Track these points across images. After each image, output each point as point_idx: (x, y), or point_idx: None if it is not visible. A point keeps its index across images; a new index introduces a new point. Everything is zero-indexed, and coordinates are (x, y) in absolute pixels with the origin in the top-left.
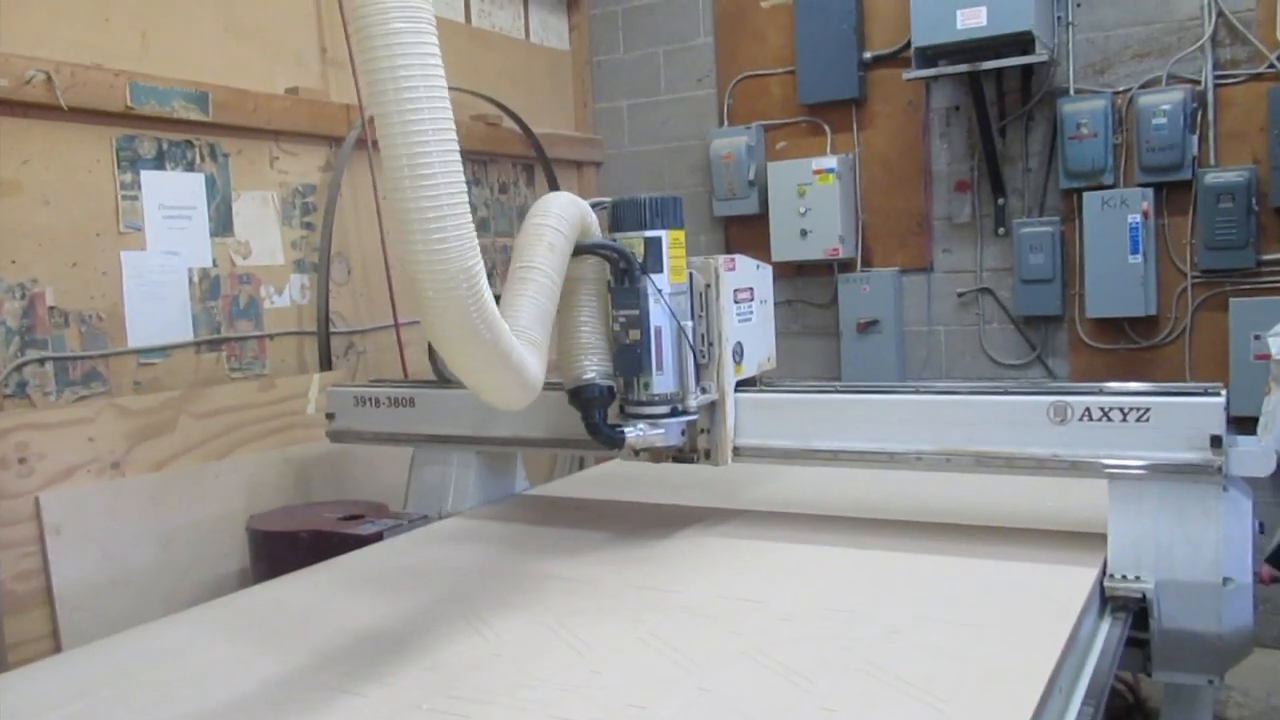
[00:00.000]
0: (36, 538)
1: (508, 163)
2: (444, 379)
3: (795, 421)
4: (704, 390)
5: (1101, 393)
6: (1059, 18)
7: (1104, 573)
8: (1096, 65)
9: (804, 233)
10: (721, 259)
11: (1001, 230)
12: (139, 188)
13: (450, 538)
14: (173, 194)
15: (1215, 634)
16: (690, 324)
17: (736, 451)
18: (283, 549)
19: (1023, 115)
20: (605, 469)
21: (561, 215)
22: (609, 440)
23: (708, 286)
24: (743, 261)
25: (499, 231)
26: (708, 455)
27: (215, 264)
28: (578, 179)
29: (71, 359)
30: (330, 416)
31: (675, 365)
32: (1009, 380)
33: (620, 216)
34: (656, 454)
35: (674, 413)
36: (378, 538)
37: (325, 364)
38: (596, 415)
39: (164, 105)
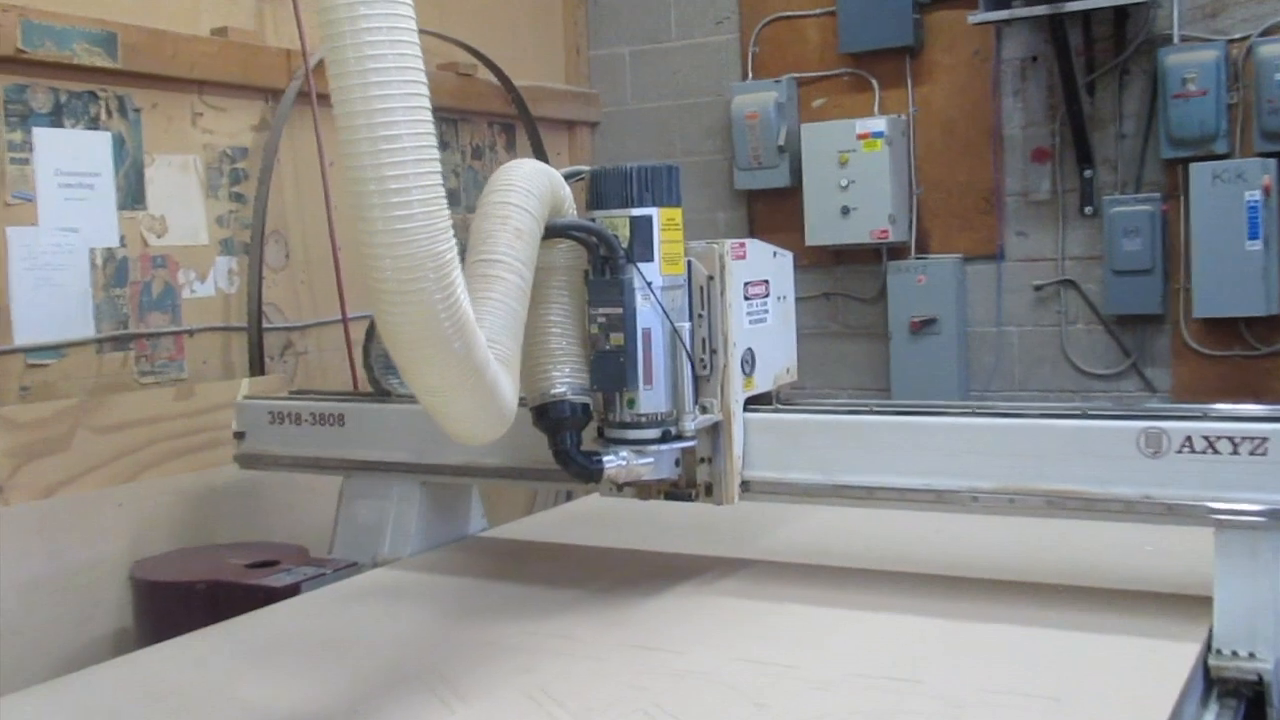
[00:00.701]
0: None
1: (483, 122)
2: (381, 390)
3: (819, 449)
4: (704, 409)
5: (1207, 417)
6: None
7: (1208, 647)
8: (1207, 8)
9: (846, 211)
10: (729, 244)
11: (1089, 209)
12: (30, 149)
13: (386, 592)
14: (72, 157)
15: None
16: (688, 326)
17: (745, 487)
18: (173, 604)
19: (1116, 68)
20: (582, 506)
21: (528, 190)
22: (583, 472)
23: (710, 279)
24: (756, 247)
25: (471, 206)
26: (709, 491)
27: (123, 243)
28: (569, 142)
29: None
30: (239, 436)
31: (668, 378)
32: (1096, 396)
33: (601, 190)
34: (644, 489)
35: (665, 437)
36: (293, 591)
37: (257, 367)
38: (567, 440)
39: (62, 49)
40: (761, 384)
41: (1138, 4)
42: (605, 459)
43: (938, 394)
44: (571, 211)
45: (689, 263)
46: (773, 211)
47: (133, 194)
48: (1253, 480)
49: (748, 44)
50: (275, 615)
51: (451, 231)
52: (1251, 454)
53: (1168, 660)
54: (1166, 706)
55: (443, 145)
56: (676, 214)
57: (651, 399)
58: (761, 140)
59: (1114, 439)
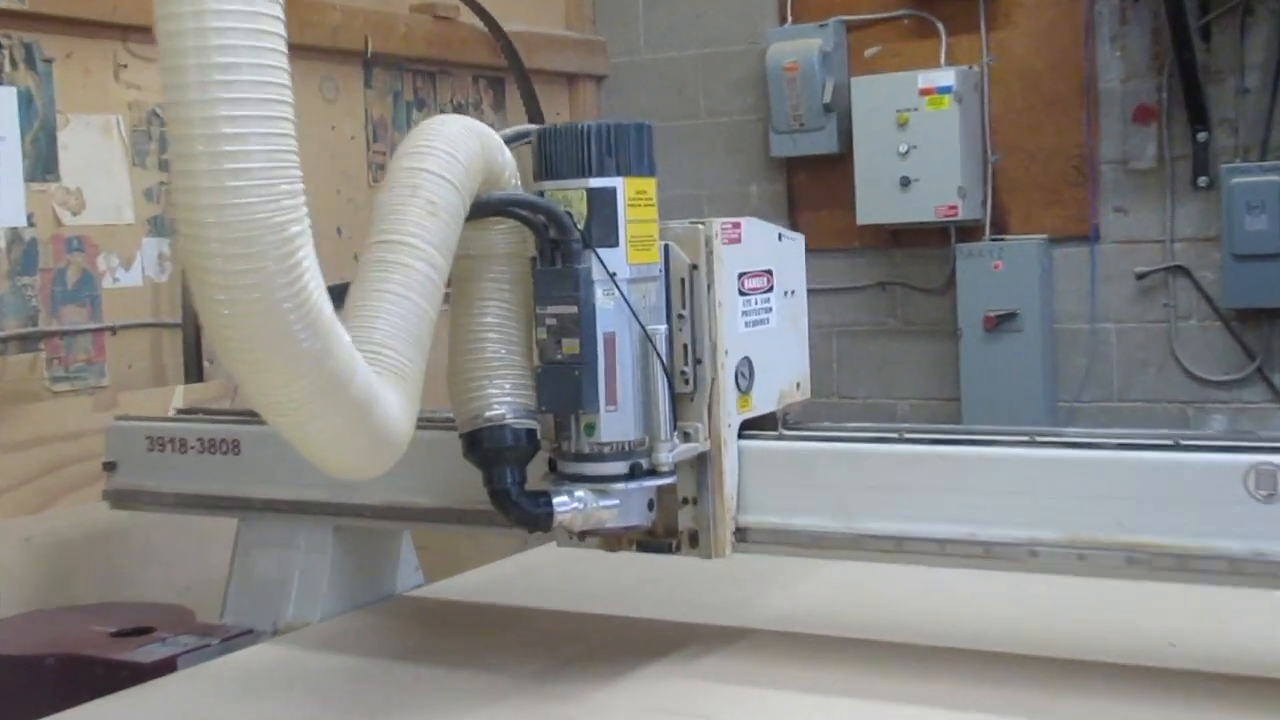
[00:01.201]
0: None
1: (467, 75)
2: None
3: (835, 488)
4: (686, 436)
5: None
6: None
7: None
8: None
9: (906, 182)
10: (718, 224)
11: (1203, 180)
12: None
13: (283, 671)
14: None
15: None
16: (663, 329)
17: (741, 535)
18: (17, 683)
19: (1237, 8)
20: (539, 557)
21: (450, 154)
22: (527, 518)
23: (694, 269)
24: (755, 228)
25: None
26: (694, 541)
27: (31, 223)
28: (569, 100)
29: None
30: (110, 467)
31: (637, 396)
32: (1212, 407)
33: (550, 155)
34: (611, 539)
35: (635, 473)
36: (167, 668)
37: (193, 372)
38: (507, 477)
39: None
40: (762, 403)
41: None
42: (556, 501)
43: (1017, 405)
44: (515, 184)
45: (666, 248)
46: (817, 184)
47: (43, 162)
48: None
49: None
50: (139, 701)
51: (304, 199)
52: None
53: None
54: None
55: (419, 104)
56: (649, 185)
57: (616, 424)
58: (803, 97)
59: (1214, 478)
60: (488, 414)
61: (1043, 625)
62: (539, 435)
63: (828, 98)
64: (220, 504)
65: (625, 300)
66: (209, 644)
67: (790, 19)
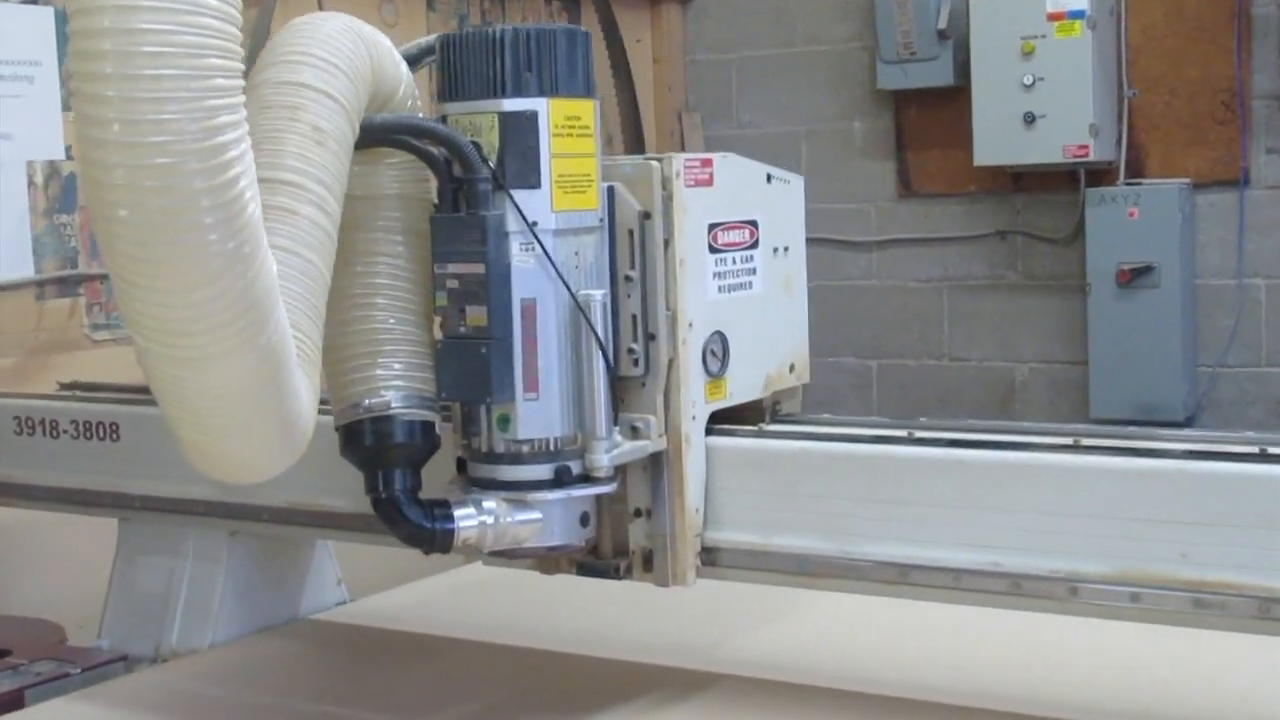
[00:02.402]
0: None
1: None
2: None
3: (826, 500)
4: (635, 432)
5: None
6: None
7: None
8: None
9: (1031, 119)
10: (679, 160)
11: None
12: None
13: (154, 711)
14: (3, 40)
15: None
16: (600, 295)
17: (709, 557)
18: None
19: None
20: (481, 572)
21: (331, 63)
22: (419, 534)
23: (647, 217)
24: (732, 166)
25: None
26: (648, 564)
27: (70, 156)
28: (651, 25)
29: None
30: None
31: (566, 382)
32: None
33: (456, 69)
34: (545, 560)
35: (561, 480)
36: (14, 703)
37: None
38: (395, 482)
39: None
40: (741, 390)
41: None
42: (459, 514)
43: (1152, 369)
44: (414, 106)
45: (610, 191)
46: (929, 120)
47: None
48: None
49: None
50: None
51: (241, 99)
52: None
53: None
54: None
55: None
56: (584, 109)
57: (538, 417)
58: (916, 22)
59: None
60: (370, 401)
61: (1079, 682)
62: (437, 429)
63: (943, 23)
64: (98, 500)
65: (549, 257)
66: (68, 673)
67: None
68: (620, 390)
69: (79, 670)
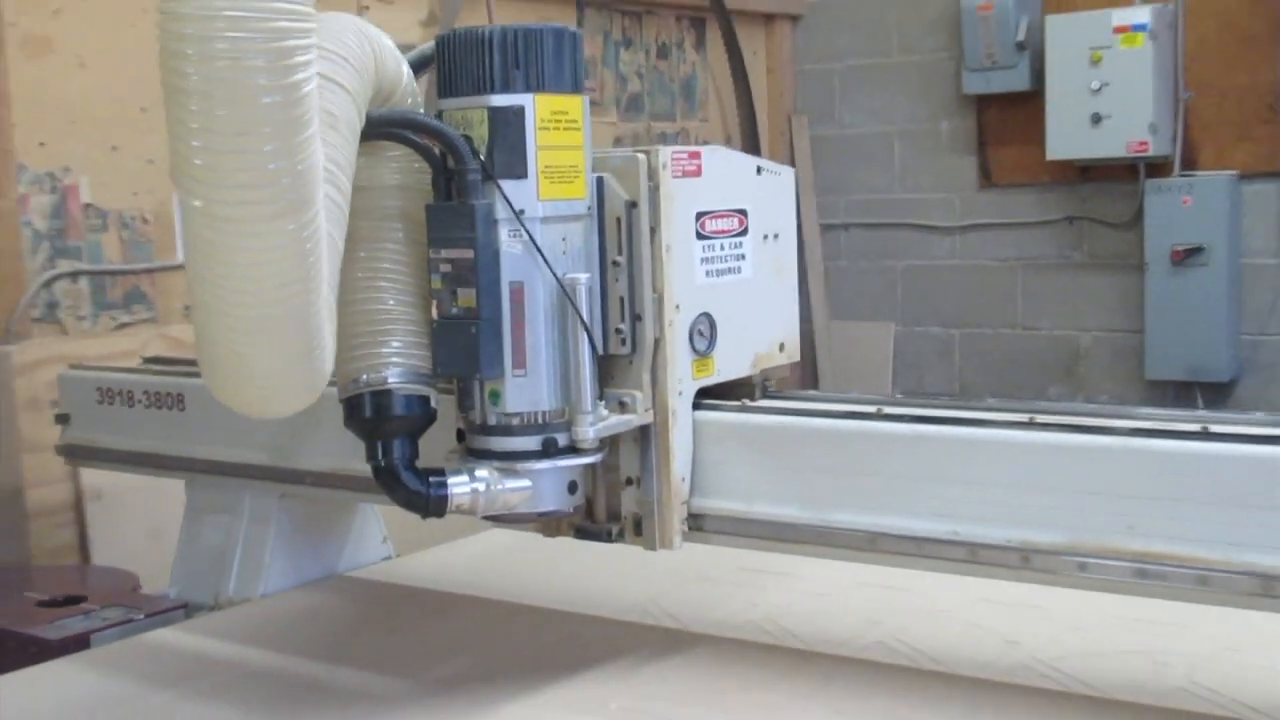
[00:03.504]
0: (73, 504)
1: (670, 15)
2: None
3: (804, 471)
4: (622, 406)
5: None
6: None
7: None
8: None
9: (1097, 119)
10: (668, 152)
11: None
12: None
13: (195, 656)
14: None
15: None
16: (585, 278)
17: (695, 523)
18: None
19: None
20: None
21: (341, 56)
22: (414, 499)
23: (633, 206)
24: (721, 158)
25: (656, 113)
26: (638, 528)
27: None
28: (766, 39)
29: (110, 273)
30: (63, 420)
31: (554, 359)
32: None
33: (449, 67)
34: (548, 523)
35: (548, 450)
36: (80, 644)
37: None
38: (394, 451)
39: None
40: (729, 368)
41: None
42: (452, 481)
43: (1201, 338)
44: (415, 103)
45: (599, 181)
46: (1007, 120)
47: None
48: None
49: None
50: (20, 687)
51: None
52: None
53: None
54: None
55: (625, 42)
56: (572, 104)
57: (525, 392)
58: (997, 35)
59: (1247, 475)
60: (369, 376)
61: (1034, 647)
62: (433, 403)
63: (1021, 36)
64: (167, 464)
65: (535, 243)
66: (133, 619)
67: None
68: (609, 367)
69: (143, 616)
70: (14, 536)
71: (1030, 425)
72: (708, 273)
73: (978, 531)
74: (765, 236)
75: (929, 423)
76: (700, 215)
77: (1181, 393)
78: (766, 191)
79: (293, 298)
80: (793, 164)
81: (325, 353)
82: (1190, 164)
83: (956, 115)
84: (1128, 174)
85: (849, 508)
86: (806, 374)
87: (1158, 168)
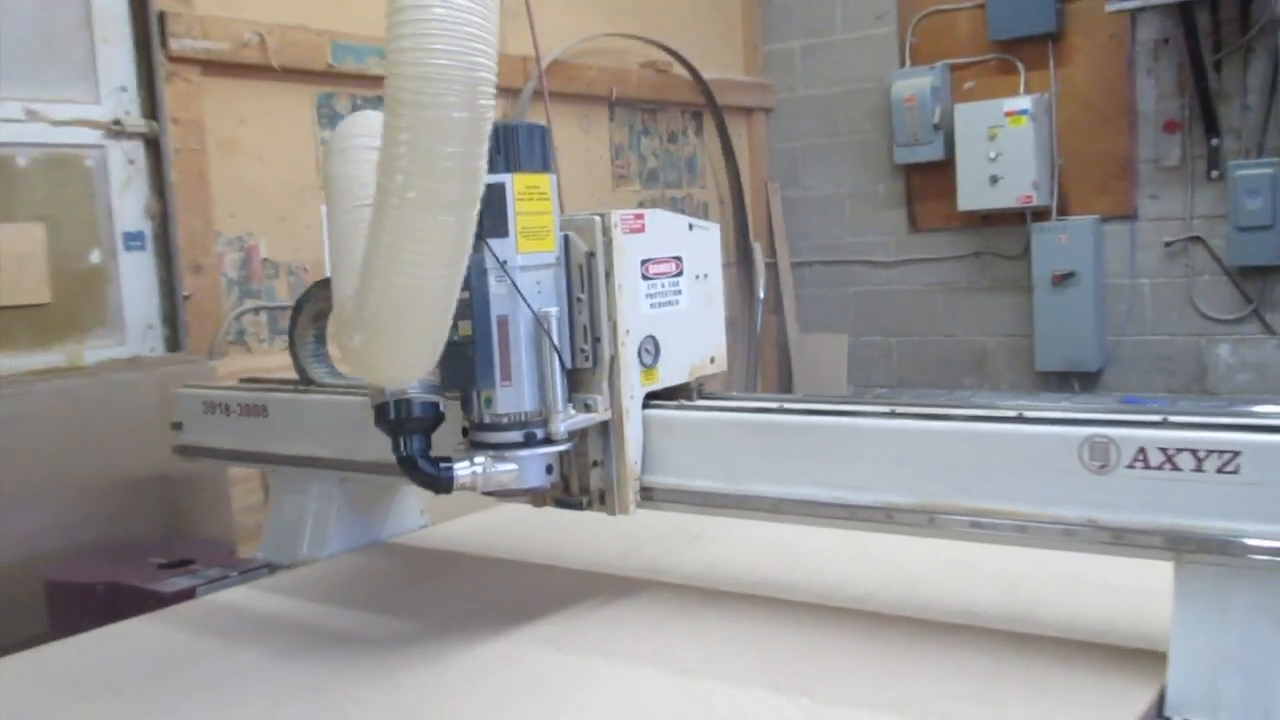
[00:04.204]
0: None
1: (676, 111)
2: (307, 379)
3: (724, 453)
4: (587, 407)
5: (1166, 424)
6: None
7: (1159, 711)
8: None
9: (994, 179)
10: (618, 215)
11: (1215, 174)
12: None
13: (264, 604)
14: None
15: None
16: (555, 311)
17: (647, 494)
18: (75, 605)
19: (1241, 48)
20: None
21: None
22: (430, 480)
23: (591, 255)
24: (661, 219)
25: (668, 183)
26: (602, 499)
27: None
28: (747, 126)
29: (281, 309)
30: (177, 426)
31: (532, 372)
32: (1220, 339)
33: None
34: (537, 495)
35: (529, 441)
36: (188, 595)
37: None
38: (413, 444)
39: (360, 62)
40: (670, 376)
41: None
42: (457, 466)
43: (1076, 340)
44: None
45: (565, 238)
46: (927, 182)
47: None
48: (1220, 505)
49: (905, 36)
50: (136, 627)
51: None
52: (1219, 471)
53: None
54: None
55: (644, 132)
56: (542, 181)
57: (511, 397)
58: (918, 120)
59: (1052, 449)
60: (391, 388)
61: (890, 582)
62: (442, 407)
63: (936, 119)
64: (256, 458)
65: (516, 286)
66: (229, 575)
67: (909, 63)
68: (576, 377)
69: (237, 574)
70: (224, 517)
71: (891, 415)
72: (651, 305)
73: (852, 496)
74: (697, 276)
75: (816, 414)
76: (644, 261)
77: (1062, 381)
78: (697, 242)
79: (446, 278)
80: (769, 219)
81: (445, 334)
82: (1064, 211)
83: (890, 179)
84: (1018, 219)
85: (759, 480)
86: (784, 373)
87: (1040, 214)
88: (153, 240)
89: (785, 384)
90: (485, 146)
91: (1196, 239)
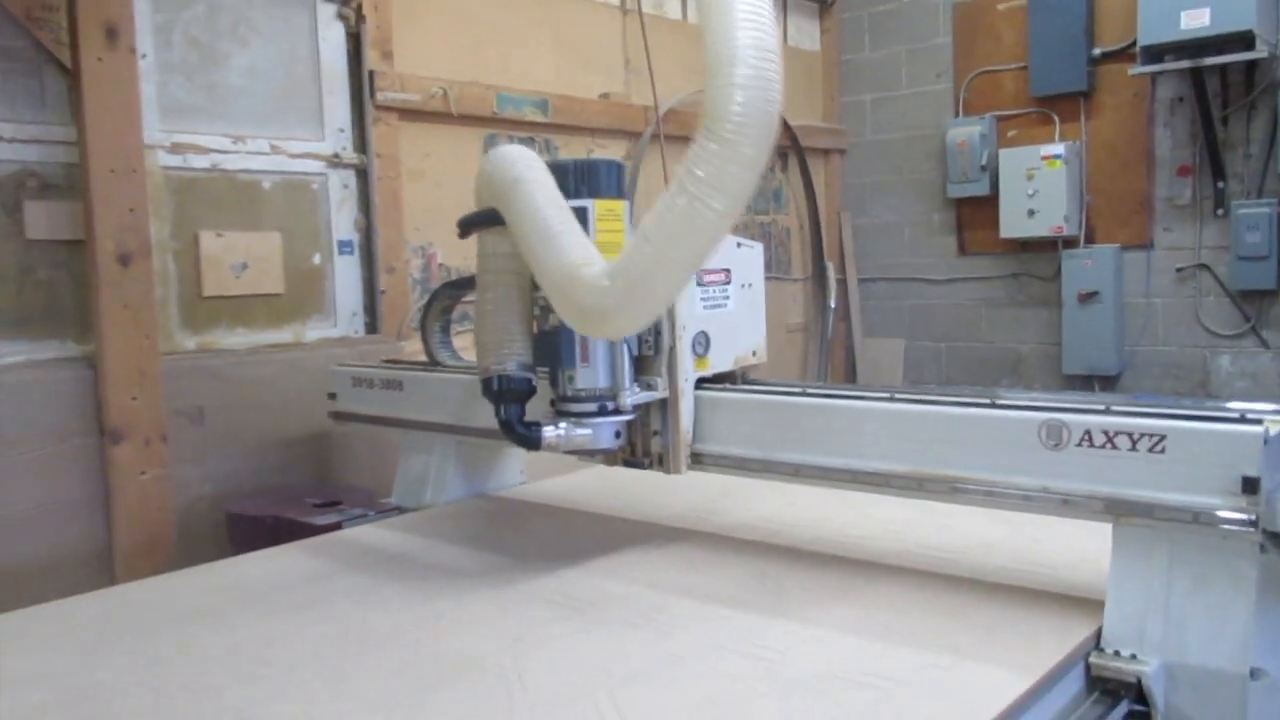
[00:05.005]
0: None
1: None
2: (435, 361)
3: (757, 427)
4: (649, 386)
5: (1109, 411)
6: None
7: (1097, 644)
8: None
9: (1031, 212)
10: None
11: (1220, 211)
12: None
13: (392, 536)
14: None
15: None
16: None
17: (696, 458)
18: (250, 533)
19: (1244, 106)
20: (612, 472)
21: None
22: (523, 440)
23: None
24: None
25: (757, 210)
26: (660, 461)
27: None
28: (825, 165)
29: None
30: (332, 396)
31: (606, 357)
32: (1222, 351)
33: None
34: (611, 456)
35: (603, 411)
36: (334, 528)
37: None
38: (512, 411)
39: (518, 110)
40: (719, 364)
41: (1262, 59)
42: (545, 429)
43: (1098, 349)
44: None
45: None
46: (975, 213)
47: None
48: (1149, 478)
49: (959, 91)
50: (294, 551)
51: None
52: (1150, 451)
53: (1044, 649)
54: (1016, 692)
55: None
56: (616, 205)
57: (588, 376)
58: (968, 161)
59: (1016, 429)
60: (497, 366)
61: (885, 536)
62: (534, 382)
63: (984, 161)
64: (392, 423)
65: None
66: (366, 514)
67: (961, 114)
68: (641, 362)
69: (372, 513)
70: (363, 470)
71: (890, 399)
72: (704, 306)
73: (858, 464)
74: (742, 285)
75: (830, 398)
76: (700, 272)
77: (1085, 383)
78: (744, 258)
79: (695, 261)
80: (840, 242)
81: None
82: (1090, 240)
83: (943, 211)
84: (1051, 246)
85: (784, 449)
86: (850, 371)
87: (1070, 242)
88: (359, 247)
89: (851, 380)
90: (758, 177)
91: (1203, 266)
